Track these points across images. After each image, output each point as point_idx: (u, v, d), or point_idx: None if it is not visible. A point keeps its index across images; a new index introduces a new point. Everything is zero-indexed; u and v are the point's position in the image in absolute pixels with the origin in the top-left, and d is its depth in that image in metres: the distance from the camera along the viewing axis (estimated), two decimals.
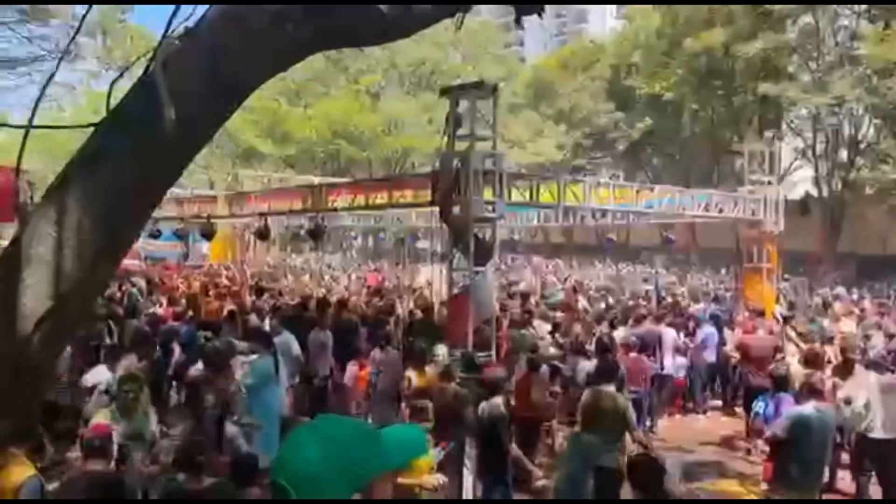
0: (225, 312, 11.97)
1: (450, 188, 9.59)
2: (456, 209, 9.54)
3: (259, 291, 14.68)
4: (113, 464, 5.14)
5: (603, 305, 14.88)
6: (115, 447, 5.20)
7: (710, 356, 12.23)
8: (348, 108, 35.79)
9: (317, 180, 20.76)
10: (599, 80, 43.94)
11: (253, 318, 11.49)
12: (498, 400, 6.84)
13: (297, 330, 10.39)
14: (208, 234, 14.57)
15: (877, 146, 32.29)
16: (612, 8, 79.03)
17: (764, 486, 8.18)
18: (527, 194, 10.47)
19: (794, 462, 6.98)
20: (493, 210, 9.64)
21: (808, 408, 6.95)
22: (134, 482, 4.89)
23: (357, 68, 39.67)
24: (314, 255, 26.96)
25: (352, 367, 9.52)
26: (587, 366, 9.00)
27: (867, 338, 11.18)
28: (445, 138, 9.76)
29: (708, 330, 12.49)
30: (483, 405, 6.82)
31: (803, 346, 10.09)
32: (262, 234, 13.84)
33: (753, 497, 8.46)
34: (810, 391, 7.02)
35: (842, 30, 32.35)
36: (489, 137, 9.89)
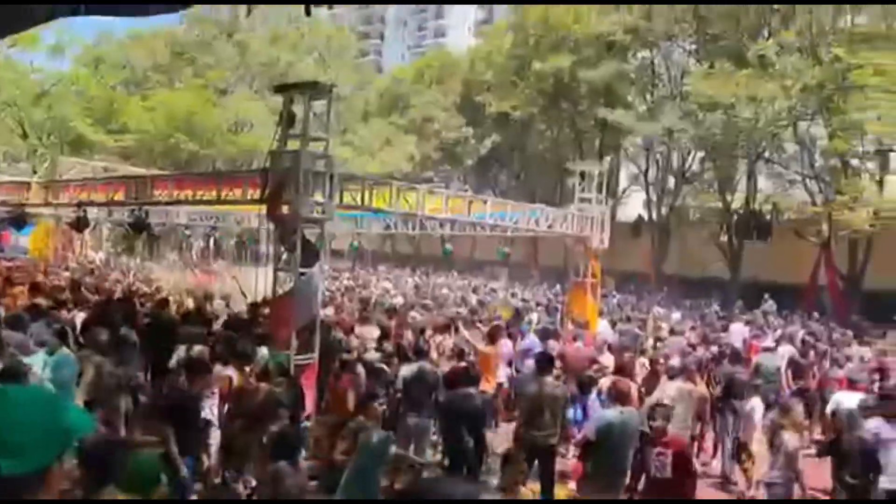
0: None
1: (279, 187, 9.43)
2: (284, 209, 9.39)
3: (75, 286, 13.73)
4: None
5: (434, 314, 15.09)
6: None
7: (532, 365, 12.64)
8: (192, 103, 34.37)
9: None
10: (452, 95, 44.77)
11: (63, 313, 10.79)
12: None
13: (109, 327, 9.84)
14: (19, 224, 13.48)
15: (700, 176, 34.83)
16: (472, 25, 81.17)
17: (572, 486, 8.61)
18: (359, 198, 10.44)
19: (600, 461, 7.45)
20: (323, 212, 9.56)
21: (613, 411, 7.42)
22: None
23: (204, 62, 38.26)
24: (144, 254, 25.67)
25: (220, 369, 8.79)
26: (408, 370, 9.12)
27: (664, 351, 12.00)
28: (277, 136, 9.62)
29: (530, 339, 12.93)
30: None
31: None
32: (78, 226, 12.97)
33: (564, 495, 8.81)
34: (616, 396, 7.49)
35: (674, 66, 34.71)
36: (323, 139, 9.82)
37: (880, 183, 26.27)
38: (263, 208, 9.88)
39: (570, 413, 8.64)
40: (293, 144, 9.54)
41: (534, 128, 40.44)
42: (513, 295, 26.32)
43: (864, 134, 23.54)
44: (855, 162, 25.90)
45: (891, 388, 10.62)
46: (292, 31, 40.76)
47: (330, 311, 14.08)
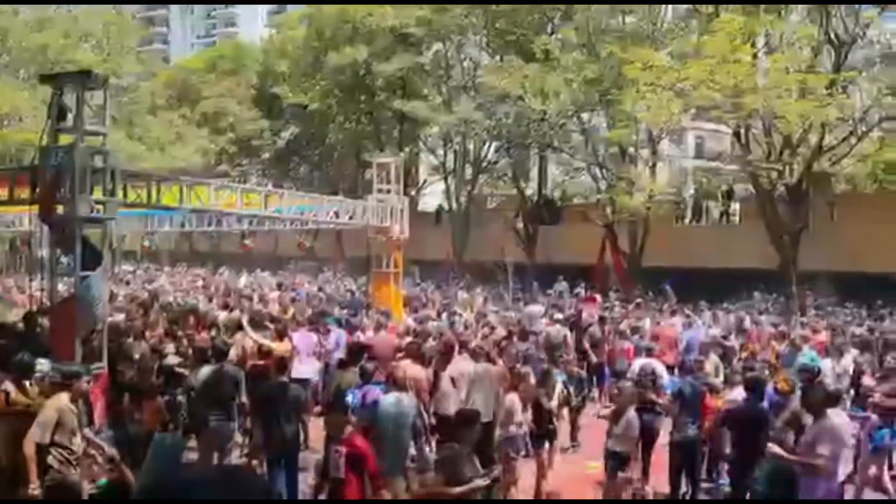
0: None
1: (51, 185, 8.67)
2: (59, 209, 8.65)
3: None
4: None
5: (237, 312, 14.55)
6: None
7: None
8: None
9: None
10: (246, 87, 43.42)
11: None
12: None
13: None
14: None
15: (495, 165, 36.29)
16: (264, 15, 79.06)
17: None
18: (145, 195, 9.82)
19: (377, 445, 7.55)
20: (104, 210, 8.90)
21: (389, 397, 7.60)
22: None
23: None
24: None
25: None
26: (206, 372, 8.75)
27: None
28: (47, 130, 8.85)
29: (337, 332, 12.86)
30: None
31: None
32: None
33: None
34: (393, 381, 7.67)
35: (467, 59, 35.79)
36: (101, 133, 9.16)
37: (653, 168, 28.78)
38: (36, 209, 9.05)
39: (349, 400, 8.68)
40: (66, 139, 8.81)
41: (332, 119, 40.21)
42: (319, 289, 26.04)
43: (637, 124, 25.58)
44: (631, 150, 28.12)
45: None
46: (63, 16, 37.45)
47: (120, 316, 13.18)
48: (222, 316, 13.95)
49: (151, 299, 16.15)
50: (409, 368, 8.57)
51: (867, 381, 10.10)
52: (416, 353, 9.33)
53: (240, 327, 11.40)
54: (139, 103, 40.96)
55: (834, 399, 7.29)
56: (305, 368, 11.70)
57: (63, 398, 7.09)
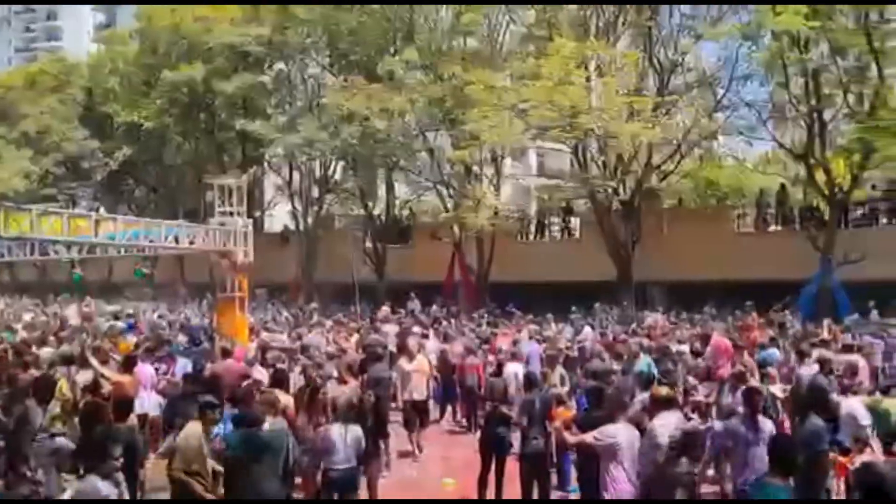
0: None
1: None
2: None
3: None
4: None
5: (67, 347, 13.48)
6: None
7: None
8: None
9: None
10: (72, 105, 40.80)
11: None
12: None
13: None
14: None
15: (343, 185, 36.03)
16: (91, 29, 74.82)
17: None
18: None
19: (248, 474, 7.20)
20: None
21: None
22: None
23: None
24: None
25: None
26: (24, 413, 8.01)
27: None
28: None
29: (181, 362, 12.23)
30: None
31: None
32: None
33: None
34: (270, 408, 7.38)
35: (310, 78, 35.42)
36: None
37: (497, 187, 29.61)
38: None
39: (220, 429, 8.22)
40: None
41: (170, 139, 38.50)
42: (160, 316, 24.73)
43: (481, 143, 26.23)
44: (476, 169, 28.79)
45: None
46: None
47: None
48: (46, 351, 12.87)
49: None
50: (271, 395, 8.28)
51: (691, 380, 10.77)
52: (286, 381, 9.10)
53: (68, 362, 10.51)
54: None
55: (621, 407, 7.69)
56: (146, 403, 10.99)
57: (197, 428, 7.25)
